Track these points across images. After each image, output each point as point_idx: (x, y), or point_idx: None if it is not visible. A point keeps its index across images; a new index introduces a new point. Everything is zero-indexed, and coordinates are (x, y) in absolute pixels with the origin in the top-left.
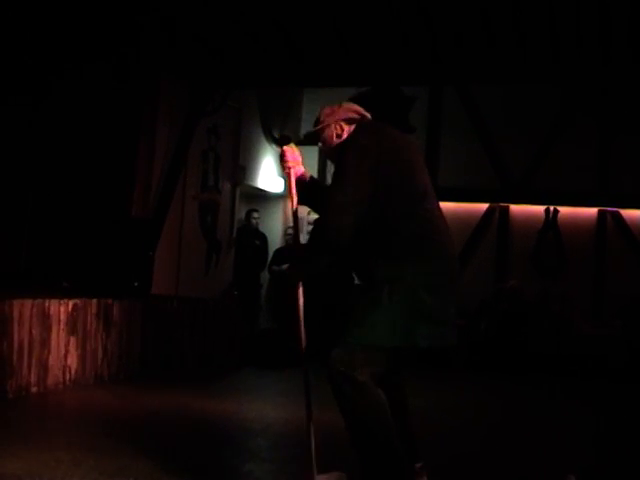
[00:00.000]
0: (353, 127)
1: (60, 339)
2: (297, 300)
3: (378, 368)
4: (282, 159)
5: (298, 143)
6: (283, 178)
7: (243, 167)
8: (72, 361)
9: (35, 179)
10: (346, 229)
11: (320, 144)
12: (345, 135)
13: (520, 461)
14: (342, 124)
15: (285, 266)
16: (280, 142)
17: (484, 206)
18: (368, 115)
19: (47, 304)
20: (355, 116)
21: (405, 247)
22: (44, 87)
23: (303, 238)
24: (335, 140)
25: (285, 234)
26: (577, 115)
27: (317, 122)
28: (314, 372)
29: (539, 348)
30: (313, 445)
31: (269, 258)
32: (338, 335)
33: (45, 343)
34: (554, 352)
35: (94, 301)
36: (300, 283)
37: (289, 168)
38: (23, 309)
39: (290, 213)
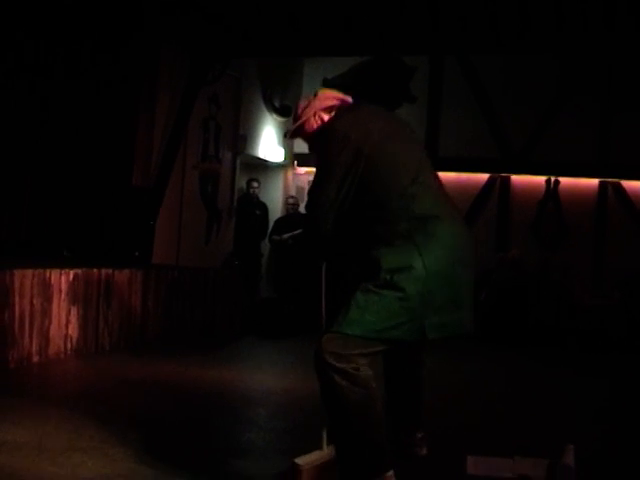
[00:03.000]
0: (333, 114)
1: (61, 309)
2: (321, 280)
3: (375, 356)
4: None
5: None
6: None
7: (244, 136)
8: (73, 331)
9: (35, 149)
10: (326, 226)
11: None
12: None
13: (520, 431)
14: (321, 114)
15: (285, 235)
16: (281, 112)
17: (485, 176)
18: (348, 98)
19: (48, 274)
20: (333, 103)
21: (407, 232)
22: (45, 57)
23: None
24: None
25: (286, 203)
26: (579, 85)
27: (296, 118)
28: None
29: (539, 318)
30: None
31: (270, 228)
32: (331, 321)
33: (46, 313)
34: (554, 323)
35: (95, 270)
36: (324, 265)
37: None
38: (24, 279)
39: (291, 183)
